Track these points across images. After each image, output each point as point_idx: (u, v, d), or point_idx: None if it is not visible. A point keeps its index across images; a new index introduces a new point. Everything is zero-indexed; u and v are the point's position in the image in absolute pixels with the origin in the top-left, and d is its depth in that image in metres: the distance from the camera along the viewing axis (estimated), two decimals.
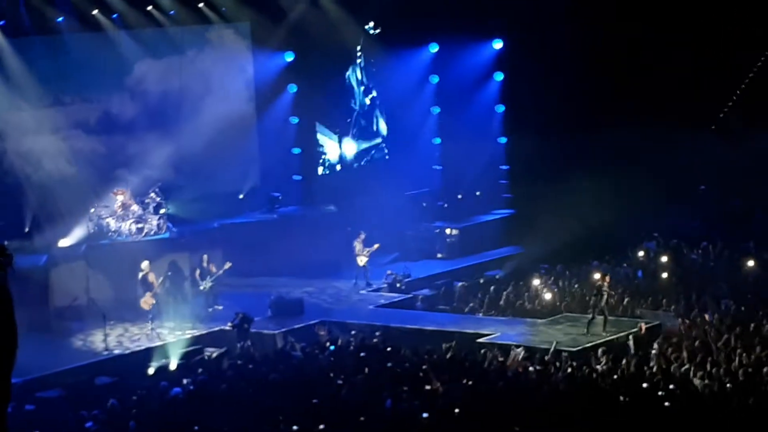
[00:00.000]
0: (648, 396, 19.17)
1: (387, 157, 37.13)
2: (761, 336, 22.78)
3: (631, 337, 24.07)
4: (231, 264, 29.40)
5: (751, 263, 29.66)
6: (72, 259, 29.53)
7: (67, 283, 29.14)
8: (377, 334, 25.41)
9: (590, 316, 25.22)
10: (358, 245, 31.41)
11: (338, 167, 36.35)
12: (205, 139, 33.10)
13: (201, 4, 32.81)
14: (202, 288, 28.89)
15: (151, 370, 24.03)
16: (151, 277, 27.83)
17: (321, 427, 18.49)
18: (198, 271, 29.18)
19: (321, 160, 36.01)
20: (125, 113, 32.21)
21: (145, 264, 28.02)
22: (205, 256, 29.53)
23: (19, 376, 23.53)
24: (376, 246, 31.43)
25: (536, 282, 29.09)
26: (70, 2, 30.69)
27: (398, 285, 30.87)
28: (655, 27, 35.22)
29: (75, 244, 30.00)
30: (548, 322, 26.40)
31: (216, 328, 27.03)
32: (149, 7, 31.97)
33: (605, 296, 25.17)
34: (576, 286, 29.29)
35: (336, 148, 36.31)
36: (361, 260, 31.31)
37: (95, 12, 31.24)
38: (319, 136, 35.93)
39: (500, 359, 22.49)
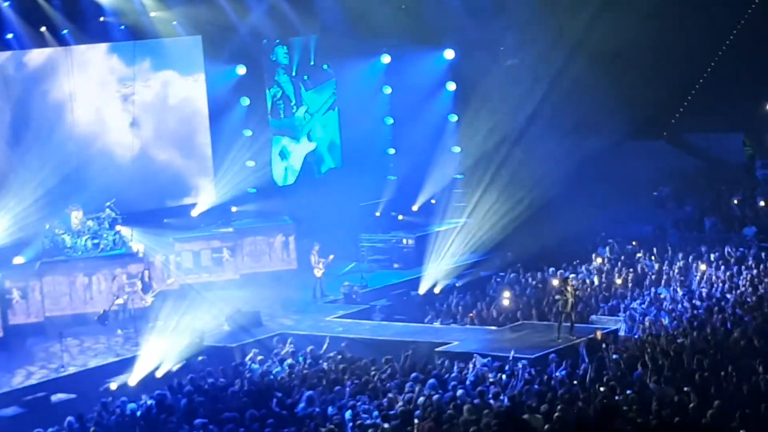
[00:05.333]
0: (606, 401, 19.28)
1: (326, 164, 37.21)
2: (716, 340, 22.95)
3: (584, 343, 24.17)
4: (175, 279, 29.28)
5: (703, 267, 29.92)
6: (27, 276, 29.35)
7: (23, 300, 28.98)
8: (341, 344, 25.33)
9: (557, 321, 25.26)
10: (313, 257, 31.44)
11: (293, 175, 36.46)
12: (159, 154, 33.09)
13: (153, 13, 32.65)
14: (143, 303, 28.79)
15: (109, 386, 23.91)
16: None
17: None
18: (140, 286, 29.07)
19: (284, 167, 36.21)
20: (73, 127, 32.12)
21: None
22: (146, 271, 29.48)
23: None
24: (330, 257, 31.47)
25: (502, 293, 29.17)
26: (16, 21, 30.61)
27: (354, 297, 30.86)
28: (607, 35, 35.40)
29: (30, 260, 29.84)
30: (506, 329, 26.51)
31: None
32: (101, 18, 31.86)
33: (570, 300, 25.20)
34: (530, 292, 29.43)
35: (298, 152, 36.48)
36: (318, 272, 31.33)
37: (43, 29, 31.05)
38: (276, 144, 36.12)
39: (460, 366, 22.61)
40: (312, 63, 36.52)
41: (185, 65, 33.91)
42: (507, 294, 28.98)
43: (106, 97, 32.73)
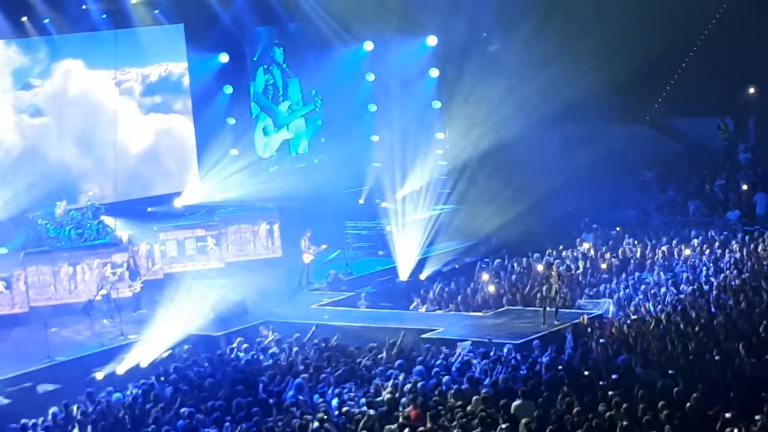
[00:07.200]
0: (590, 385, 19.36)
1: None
2: (700, 323, 23.02)
3: (570, 328, 24.24)
4: (160, 266, 29.24)
5: (687, 251, 29.98)
6: (11, 266, 29.28)
7: (7, 291, 28.92)
8: (335, 334, 25.30)
9: (542, 307, 25.29)
10: (304, 243, 31.39)
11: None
12: (142, 143, 33.02)
13: (134, 1, 32.50)
14: (132, 290, 28.76)
15: (95, 376, 23.88)
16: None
17: (267, 426, 18.57)
18: (127, 273, 29.01)
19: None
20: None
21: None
22: (131, 259, 29.44)
23: None
24: (323, 246, 31.45)
25: (482, 276, 29.22)
26: None
27: (342, 288, 30.86)
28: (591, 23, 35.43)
29: (13, 251, 29.76)
30: (491, 315, 26.55)
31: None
32: (83, 6, 31.69)
33: (554, 286, 25.23)
34: (516, 278, 29.46)
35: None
36: (307, 258, 31.29)
37: (24, 19, 30.89)
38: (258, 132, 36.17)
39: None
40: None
41: (167, 53, 33.75)
42: (482, 276, 29.08)
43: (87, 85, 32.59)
